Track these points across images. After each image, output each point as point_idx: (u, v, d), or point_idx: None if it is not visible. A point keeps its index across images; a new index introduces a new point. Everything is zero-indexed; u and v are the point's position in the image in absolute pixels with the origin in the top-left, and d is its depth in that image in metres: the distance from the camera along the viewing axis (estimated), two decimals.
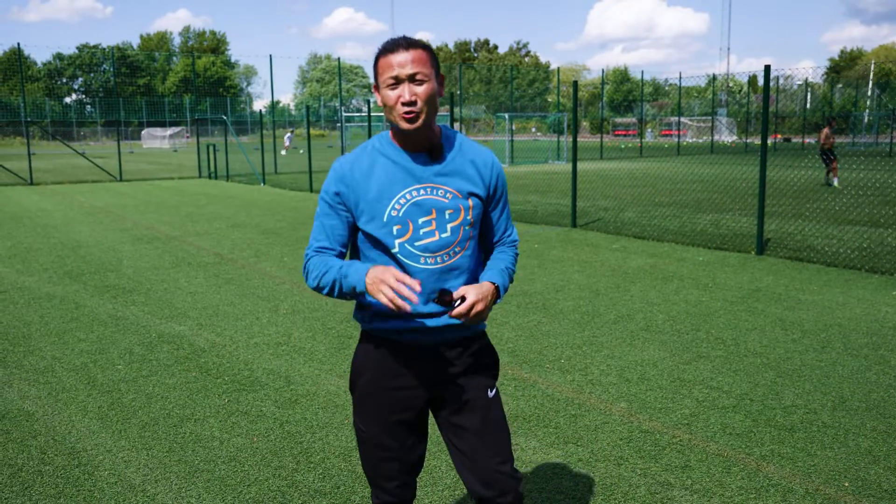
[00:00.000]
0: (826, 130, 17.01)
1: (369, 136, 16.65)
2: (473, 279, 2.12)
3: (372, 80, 2.06)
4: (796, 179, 16.95)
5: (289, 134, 29.51)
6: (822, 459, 3.44)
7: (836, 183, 16.75)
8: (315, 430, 3.83)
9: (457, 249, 2.05)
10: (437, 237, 2.02)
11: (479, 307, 1.93)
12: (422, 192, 2.02)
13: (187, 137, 24.12)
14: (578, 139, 12.32)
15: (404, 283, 1.81)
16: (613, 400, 4.21)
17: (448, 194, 2.03)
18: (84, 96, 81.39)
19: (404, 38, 1.98)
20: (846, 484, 3.21)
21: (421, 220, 2.01)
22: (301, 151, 27.82)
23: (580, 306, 6.24)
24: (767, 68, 8.06)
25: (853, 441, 3.62)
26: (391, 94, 1.95)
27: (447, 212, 2.02)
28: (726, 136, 49.56)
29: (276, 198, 16.95)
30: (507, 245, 2.23)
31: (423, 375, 2.12)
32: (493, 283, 2.05)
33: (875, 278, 7.22)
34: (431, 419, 2.32)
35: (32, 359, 5.04)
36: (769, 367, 4.69)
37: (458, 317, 1.91)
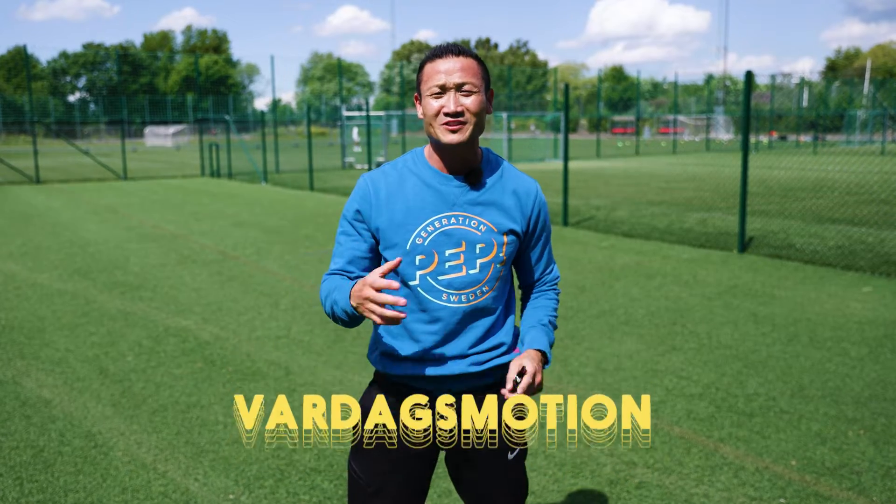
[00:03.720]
0: None
1: (368, 134, 16.95)
2: (500, 323, 1.94)
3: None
4: (785, 178, 17.27)
5: (356, 129, 29.26)
6: (775, 441, 3.76)
7: None
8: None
9: (484, 289, 1.86)
10: (463, 272, 1.83)
11: (539, 378, 1.76)
12: (453, 220, 1.82)
13: (213, 133, 24.27)
14: (577, 137, 12.60)
15: (383, 292, 1.66)
16: (590, 389, 4.53)
17: (482, 226, 1.83)
18: (87, 95, 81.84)
19: (454, 44, 1.80)
20: (793, 462, 3.53)
21: (448, 252, 1.82)
22: (357, 149, 28.00)
23: (565, 301, 6.56)
24: (749, 74, 8.40)
25: (805, 425, 3.94)
26: (434, 104, 1.77)
27: (478, 246, 1.83)
28: (723, 135, 49.89)
29: (278, 196, 17.28)
30: (547, 286, 2.04)
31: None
32: (539, 351, 1.84)
33: (849, 275, 7.54)
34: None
35: (47, 351, 5.37)
36: (737, 359, 5.02)
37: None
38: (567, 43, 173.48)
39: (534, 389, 1.74)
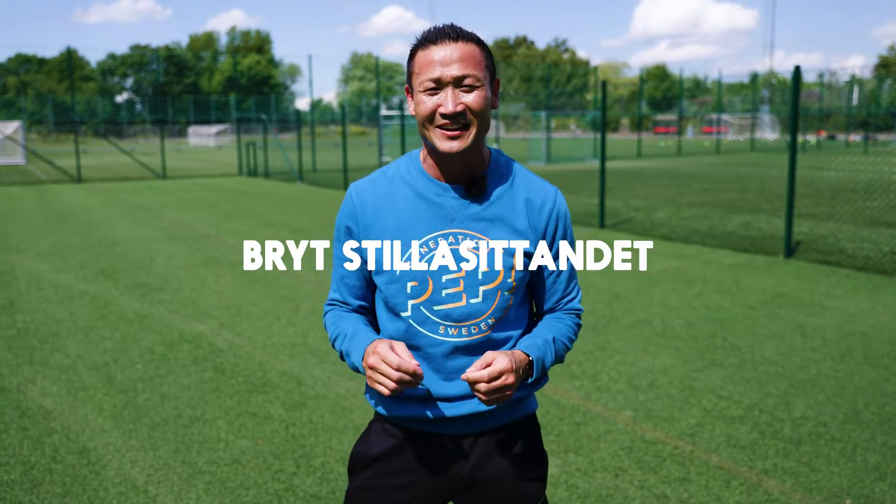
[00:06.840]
0: None
1: (402, 135, 16.73)
2: None
3: (405, 79, 1.53)
4: (835, 179, 16.52)
5: None
6: (827, 475, 3.37)
7: None
8: (319, 433, 3.89)
9: (490, 321, 1.55)
10: (463, 302, 1.53)
11: (508, 379, 1.40)
12: (451, 239, 1.52)
13: (275, 134, 24.28)
14: (618, 136, 12.19)
15: (400, 368, 1.37)
16: (620, 408, 4.18)
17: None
18: (134, 95, 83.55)
19: (452, 26, 1.47)
20: (848, 501, 3.14)
21: (445, 279, 1.52)
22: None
23: (597, 310, 6.20)
24: (797, 70, 7.90)
25: (861, 456, 3.54)
26: (428, 102, 1.45)
27: (481, 271, 1.53)
28: (769, 134, 48.47)
29: (311, 196, 17.16)
30: (564, 313, 1.67)
31: (441, 474, 1.63)
32: (526, 356, 1.50)
33: None
34: None
35: (58, 356, 5.21)
36: (783, 377, 4.61)
37: (473, 385, 1.41)
38: (611, 42, 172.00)
39: (496, 392, 1.39)
